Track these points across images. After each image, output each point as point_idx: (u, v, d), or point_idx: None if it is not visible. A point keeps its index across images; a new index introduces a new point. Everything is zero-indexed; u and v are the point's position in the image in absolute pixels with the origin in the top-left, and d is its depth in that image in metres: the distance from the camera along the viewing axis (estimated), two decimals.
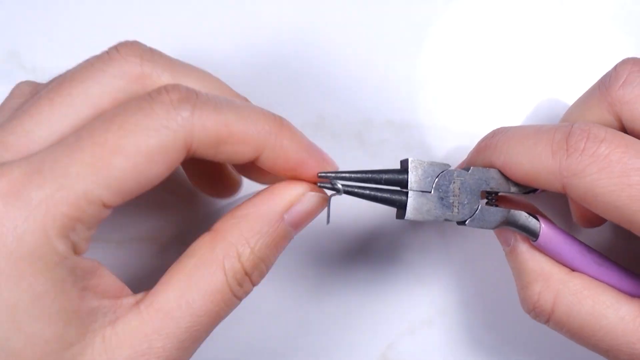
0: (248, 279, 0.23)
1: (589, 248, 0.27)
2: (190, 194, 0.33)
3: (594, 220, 0.28)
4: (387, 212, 0.33)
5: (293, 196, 0.24)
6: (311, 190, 0.24)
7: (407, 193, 0.26)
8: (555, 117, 0.33)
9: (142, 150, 0.20)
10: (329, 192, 0.25)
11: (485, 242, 0.33)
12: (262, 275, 0.24)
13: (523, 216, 0.27)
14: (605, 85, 0.26)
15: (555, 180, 0.24)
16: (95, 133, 0.20)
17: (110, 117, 0.20)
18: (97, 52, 0.23)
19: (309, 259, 0.33)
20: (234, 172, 0.30)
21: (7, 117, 0.22)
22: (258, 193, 0.24)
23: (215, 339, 0.33)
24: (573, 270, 0.27)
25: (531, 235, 0.26)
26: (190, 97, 0.21)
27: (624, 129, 0.26)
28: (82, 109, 0.21)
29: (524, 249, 0.27)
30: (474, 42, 0.33)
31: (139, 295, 0.22)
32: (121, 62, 0.22)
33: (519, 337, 0.33)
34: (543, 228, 0.26)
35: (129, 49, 0.22)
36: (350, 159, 0.33)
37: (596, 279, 0.26)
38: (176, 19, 0.33)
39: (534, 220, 0.27)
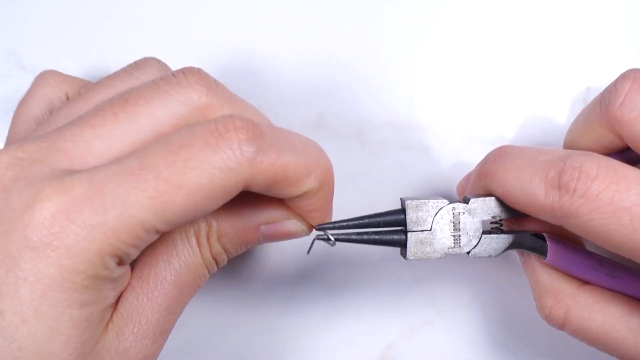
0: (214, 262, 0.25)
1: (599, 260, 0.27)
2: None
3: None
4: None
5: (277, 216, 0.25)
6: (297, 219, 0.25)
7: (406, 232, 0.26)
8: (555, 117, 0.33)
9: (204, 189, 0.20)
10: (316, 233, 0.26)
11: None
12: (224, 262, 0.25)
13: (528, 239, 0.27)
14: (605, 102, 0.26)
15: (551, 217, 0.24)
16: (160, 164, 0.20)
17: (175, 149, 0.20)
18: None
19: (309, 259, 0.33)
20: None
21: (62, 122, 0.22)
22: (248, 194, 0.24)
23: (216, 339, 0.33)
24: (585, 282, 0.27)
25: (540, 253, 0.27)
26: (256, 137, 0.21)
27: (626, 146, 0.26)
28: (144, 129, 0.22)
29: (535, 264, 0.28)
30: (474, 42, 0.33)
31: (127, 268, 0.23)
32: (188, 89, 0.22)
33: (519, 336, 0.33)
34: (550, 248, 0.26)
35: (196, 77, 0.23)
36: (350, 159, 0.33)
37: (608, 289, 0.26)
38: (177, 19, 0.33)
39: (539, 240, 0.27)
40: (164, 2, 0.33)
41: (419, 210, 0.26)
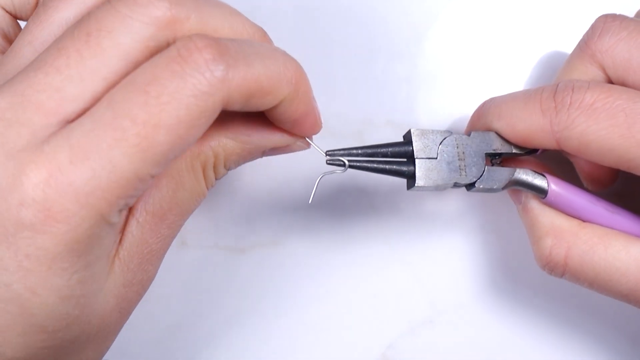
0: (215, 181, 0.25)
1: (598, 198, 0.27)
2: None
3: (603, 181, 0.29)
4: (386, 212, 0.33)
5: (281, 141, 0.25)
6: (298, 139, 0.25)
7: (414, 162, 0.27)
8: None
9: (184, 120, 0.20)
10: (326, 159, 0.26)
11: (485, 242, 0.33)
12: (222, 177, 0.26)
13: (530, 174, 0.27)
14: (584, 40, 0.28)
15: (549, 137, 0.25)
16: (133, 109, 0.19)
17: (144, 87, 0.19)
18: None
19: (309, 259, 0.33)
20: None
21: (22, 65, 0.21)
22: (251, 115, 0.24)
23: (216, 339, 0.33)
24: (585, 221, 0.27)
25: (540, 192, 0.27)
26: (222, 54, 0.20)
27: (609, 79, 0.27)
28: (113, 62, 0.20)
29: (535, 205, 0.28)
30: (474, 42, 0.33)
31: (126, 210, 0.23)
32: (149, 7, 0.21)
33: (519, 336, 0.33)
34: (551, 184, 0.27)
35: None
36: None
37: (608, 227, 0.27)
38: None
39: (541, 177, 0.27)
40: None
41: (424, 138, 0.27)
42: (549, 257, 0.27)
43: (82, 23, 0.21)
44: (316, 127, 0.25)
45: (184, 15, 0.21)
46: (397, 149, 0.27)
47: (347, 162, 0.26)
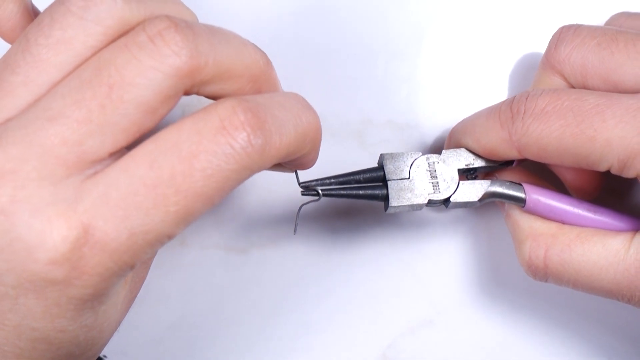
0: None
1: (578, 200, 0.28)
2: None
3: (587, 189, 0.29)
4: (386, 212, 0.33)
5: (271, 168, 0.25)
6: None
7: (386, 184, 0.27)
8: None
9: (221, 190, 0.20)
10: (305, 198, 0.27)
11: (485, 242, 0.33)
12: None
13: (505, 185, 0.28)
14: (545, 53, 0.29)
15: (510, 147, 0.26)
16: (176, 175, 0.19)
17: (189, 158, 0.20)
18: None
19: (309, 259, 0.33)
20: None
21: (19, 107, 0.20)
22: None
23: (216, 339, 0.33)
24: (567, 224, 0.28)
25: (518, 202, 0.28)
26: (262, 128, 0.20)
27: (572, 87, 0.28)
28: (134, 114, 0.20)
29: (514, 212, 0.29)
30: (474, 41, 0.33)
31: None
32: (172, 57, 0.20)
33: (519, 337, 0.33)
34: (529, 193, 0.27)
35: (176, 38, 0.20)
36: (350, 158, 0.33)
37: (591, 227, 0.27)
38: None
39: (517, 187, 0.28)
40: None
41: (395, 160, 0.28)
42: (530, 261, 0.28)
43: (101, 71, 0.20)
44: (312, 165, 0.26)
45: (203, 62, 0.21)
46: (369, 174, 0.28)
47: (320, 192, 0.27)
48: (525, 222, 0.28)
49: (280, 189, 0.33)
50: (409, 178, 0.27)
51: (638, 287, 0.26)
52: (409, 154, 0.28)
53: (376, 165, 0.28)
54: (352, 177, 0.28)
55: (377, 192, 0.27)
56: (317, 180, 0.27)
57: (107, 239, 0.19)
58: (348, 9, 0.33)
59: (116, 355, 0.32)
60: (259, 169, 0.21)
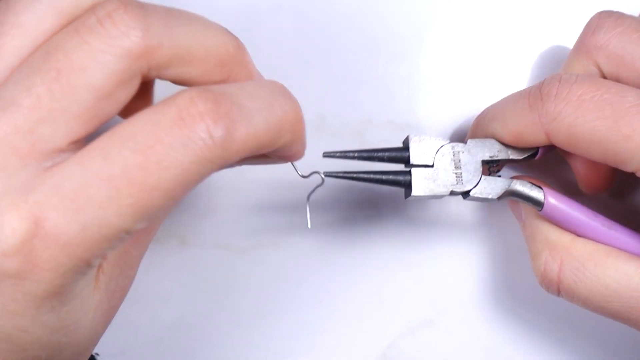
0: None
1: (595, 213, 0.27)
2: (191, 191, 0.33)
3: (598, 184, 0.29)
4: (387, 212, 0.33)
5: (260, 162, 0.25)
6: None
7: (410, 171, 0.27)
8: None
9: (181, 184, 0.19)
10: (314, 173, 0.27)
11: (485, 241, 0.33)
12: None
13: (527, 185, 0.27)
14: (580, 38, 0.28)
15: (538, 130, 0.25)
16: (130, 168, 0.19)
17: (144, 149, 0.19)
18: None
19: (309, 259, 0.33)
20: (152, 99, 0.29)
21: None
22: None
23: (216, 339, 0.33)
24: (580, 236, 0.27)
25: (536, 205, 0.27)
26: (224, 118, 0.19)
27: (604, 76, 0.27)
28: (86, 99, 0.19)
29: (532, 221, 0.28)
30: (474, 41, 0.33)
31: None
32: (122, 39, 0.20)
33: (519, 336, 0.33)
34: (547, 197, 0.27)
35: (125, 19, 0.20)
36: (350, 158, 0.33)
37: (603, 243, 0.27)
38: None
39: (537, 189, 0.27)
40: None
41: (422, 144, 0.27)
42: (544, 273, 0.27)
43: (49, 57, 0.20)
44: (301, 156, 0.25)
45: (157, 43, 0.20)
46: (394, 154, 0.27)
47: (323, 177, 0.27)
48: (541, 233, 0.28)
49: (280, 188, 0.33)
50: (432, 166, 0.27)
51: None
52: (436, 139, 0.27)
53: (402, 145, 0.28)
54: (375, 154, 0.27)
55: (400, 178, 0.27)
56: (340, 152, 0.27)
57: (57, 231, 0.19)
58: (348, 9, 0.33)
59: (116, 356, 0.32)
60: (224, 163, 0.20)
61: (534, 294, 0.33)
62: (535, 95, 0.26)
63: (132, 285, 0.25)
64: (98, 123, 0.20)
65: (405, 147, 0.27)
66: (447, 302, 0.33)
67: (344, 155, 0.27)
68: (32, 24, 0.20)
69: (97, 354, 0.32)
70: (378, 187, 0.33)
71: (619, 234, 0.27)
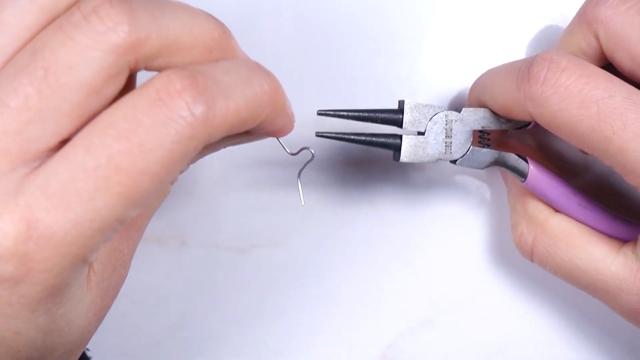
0: (177, 177, 0.24)
1: (574, 191, 0.28)
2: (190, 189, 0.33)
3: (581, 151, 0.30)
4: (387, 211, 0.33)
5: (248, 139, 0.25)
6: None
7: (401, 136, 0.27)
8: None
9: (167, 165, 0.19)
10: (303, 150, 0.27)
11: (485, 242, 0.33)
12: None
13: (513, 158, 0.28)
14: (582, 7, 0.27)
15: (523, 110, 0.26)
16: (115, 155, 0.19)
17: (125, 134, 0.19)
18: None
19: (309, 259, 0.33)
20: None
21: None
22: None
23: (216, 339, 0.33)
24: (558, 211, 0.28)
25: (520, 175, 0.28)
26: (202, 94, 0.19)
27: (601, 49, 0.27)
28: (75, 97, 0.19)
29: (515, 191, 0.29)
30: (474, 42, 0.33)
31: None
32: (108, 34, 0.19)
33: (519, 337, 0.33)
34: (531, 169, 0.28)
35: (111, 14, 0.19)
36: (350, 158, 0.33)
37: (578, 220, 0.28)
38: None
39: (523, 162, 0.28)
40: None
41: (416, 111, 0.28)
42: (519, 243, 0.29)
43: (36, 56, 0.19)
44: (288, 130, 0.24)
45: (144, 35, 0.20)
46: (388, 115, 0.28)
47: (313, 153, 0.27)
48: (521, 204, 0.29)
49: (281, 188, 0.33)
50: (424, 133, 0.28)
51: (614, 298, 0.26)
52: (431, 106, 0.28)
53: (396, 107, 0.28)
54: (369, 114, 0.28)
55: (390, 141, 0.28)
56: (334, 110, 0.28)
57: (50, 231, 0.18)
58: (348, 9, 0.33)
59: (116, 356, 0.32)
60: (207, 139, 0.20)
61: (534, 294, 0.33)
62: (523, 74, 0.25)
63: (132, 285, 0.25)
64: (87, 119, 0.20)
65: (400, 109, 0.28)
66: (447, 302, 0.33)
67: (338, 113, 0.27)
68: (13, 20, 0.20)
69: (87, 349, 0.32)
70: (379, 187, 0.33)
71: (593, 213, 0.28)
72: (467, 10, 0.33)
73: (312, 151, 0.27)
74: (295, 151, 0.27)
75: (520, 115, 0.26)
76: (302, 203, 0.28)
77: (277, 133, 0.24)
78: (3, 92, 0.19)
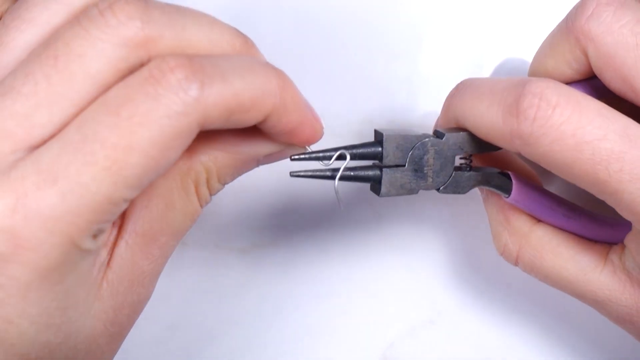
0: (210, 197, 0.24)
1: (558, 201, 0.27)
2: None
3: None
4: (386, 212, 0.33)
5: (278, 147, 0.24)
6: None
7: (381, 169, 0.26)
8: None
9: (157, 142, 0.19)
10: (335, 174, 0.25)
11: (486, 242, 0.33)
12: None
13: (495, 176, 0.27)
14: (571, 18, 0.25)
15: (509, 145, 0.24)
16: (104, 131, 0.19)
17: (115, 109, 0.19)
18: None
19: (309, 259, 0.33)
20: None
21: None
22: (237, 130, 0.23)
23: (216, 339, 0.33)
24: (541, 221, 0.28)
25: (504, 192, 0.27)
26: (196, 72, 0.19)
27: (589, 65, 0.26)
28: (83, 87, 0.19)
29: (494, 201, 0.28)
30: (474, 42, 0.33)
31: (117, 221, 0.22)
32: (120, 28, 0.20)
33: (519, 337, 0.33)
34: (514, 186, 0.27)
35: (125, 10, 0.20)
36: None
37: (564, 230, 0.27)
38: None
39: (505, 179, 0.27)
40: None
41: (395, 144, 0.26)
42: (504, 253, 0.28)
43: (49, 45, 0.20)
44: (315, 134, 0.24)
45: (157, 33, 0.20)
46: (365, 150, 0.26)
47: (348, 154, 0.25)
48: (502, 214, 0.28)
49: (281, 188, 0.33)
50: (404, 165, 0.26)
51: (604, 307, 0.26)
52: (411, 136, 0.26)
53: (374, 138, 0.27)
54: (345, 152, 0.26)
55: (369, 174, 0.26)
56: (308, 154, 0.25)
57: (38, 205, 0.18)
58: (348, 9, 0.33)
59: (116, 356, 0.32)
60: (202, 118, 0.19)
61: (535, 295, 0.33)
62: (510, 108, 0.23)
63: None
64: None
65: (379, 141, 0.26)
66: (447, 302, 0.33)
67: (314, 157, 0.25)
68: (42, 19, 0.21)
69: None
70: None
71: (578, 222, 0.27)
72: (467, 10, 0.33)
73: (348, 153, 0.25)
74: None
75: (504, 147, 0.25)
76: (340, 208, 0.27)
77: (298, 135, 0.23)
78: (16, 78, 0.19)
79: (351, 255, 0.33)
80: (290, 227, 0.33)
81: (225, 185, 0.24)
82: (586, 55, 0.25)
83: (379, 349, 0.33)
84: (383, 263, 0.33)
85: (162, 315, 0.33)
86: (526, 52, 0.33)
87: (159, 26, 0.20)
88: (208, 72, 0.20)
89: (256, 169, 0.31)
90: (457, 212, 0.33)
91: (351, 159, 0.25)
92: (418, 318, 0.33)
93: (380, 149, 0.26)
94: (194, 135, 0.20)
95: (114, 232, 0.22)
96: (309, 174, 0.25)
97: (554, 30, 0.27)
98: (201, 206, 0.24)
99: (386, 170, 0.26)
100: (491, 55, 0.33)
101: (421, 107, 0.33)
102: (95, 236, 0.20)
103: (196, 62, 0.19)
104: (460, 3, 0.33)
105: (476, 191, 0.30)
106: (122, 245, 0.22)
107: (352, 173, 0.26)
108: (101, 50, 0.19)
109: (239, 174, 0.24)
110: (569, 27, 0.25)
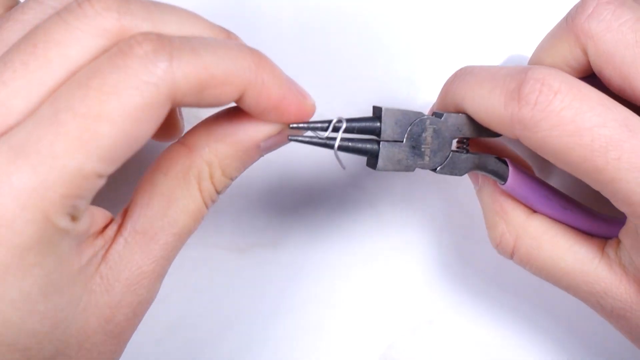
0: (217, 194, 0.24)
1: (554, 192, 0.27)
2: None
3: None
4: (386, 212, 0.33)
5: (274, 129, 0.24)
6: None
7: (379, 142, 0.26)
8: None
9: (128, 112, 0.19)
10: (336, 142, 0.25)
11: (486, 242, 0.33)
12: (226, 189, 0.24)
13: (492, 161, 0.27)
14: (571, 16, 0.25)
15: (509, 130, 0.24)
16: (74, 102, 0.19)
17: (85, 81, 0.19)
18: None
19: (309, 259, 0.33)
20: (179, 117, 0.28)
21: None
22: (236, 113, 0.23)
23: (216, 339, 0.33)
24: (537, 212, 0.27)
25: (500, 179, 0.27)
26: (164, 45, 0.20)
27: (589, 64, 0.26)
28: (60, 73, 0.20)
29: (490, 191, 0.28)
30: (474, 41, 0.33)
31: (118, 219, 0.23)
32: (97, 18, 0.20)
33: (519, 337, 0.33)
34: (511, 173, 0.27)
35: (102, 1, 0.20)
36: (350, 158, 0.33)
37: (559, 221, 0.27)
38: None
39: (503, 165, 0.27)
40: None
41: (394, 119, 0.26)
42: (499, 244, 0.28)
43: (29, 35, 0.20)
44: (303, 109, 0.24)
45: (134, 24, 0.20)
46: (364, 124, 0.26)
47: (344, 120, 0.25)
48: (498, 205, 0.28)
49: (280, 188, 0.33)
50: (402, 141, 0.26)
51: (598, 300, 0.26)
52: (410, 113, 0.26)
53: (372, 114, 0.27)
54: (345, 125, 0.25)
55: (368, 147, 0.26)
56: (307, 123, 0.25)
57: (10, 179, 0.18)
58: (348, 9, 0.33)
59: None
60: (171, 90, 0.19)
61: (535, 294, 0.33)
62: (512, 94, 0.23)
63: None
64: None
65: (377, 117, 0.26)
66: (447, 302, 0.33)
67: (312, 127, 0.25)
68: (30, 19, 0.22)
69: None
70: (377, 188, 0.33)
71: (574, 214, 0.27)
72: (467, 10, 0.33)
73: (344, 119, 0.25)
74: (344, 164, 0.25)
75: (504, 132, 0.25)
76: (343, 168, 0.26)
77: (285, 110, 0.23)
78: None
79: (351, 255, 0.33)
80: (290, 227, 0.33)
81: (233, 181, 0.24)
82: (586, 53, 0.25)
83: (379, 349, 0.33)
84: (383, 262, 0.33)
85: (162, 315, 0.33)
86: (526, 51, 0.33)
87: (136, 18, 0.21)
88: (177, 46, 0.20)
89: (256, 169, 0.31)
90: (456, 212, 0.33)
91: (349, 132, 0.25)
92: (417, 318, 0.33)
93: (378, 124, 0.26)
94: (165, 109, 0.20)
95: (114, 228, 0.22)
96: (307, 139, 0.25)
97: (553, 29, 0.27)
98: (206, 204, 0.23)
99: (384, 144, 0.26)
100: (491, 55, 0.33)
101: (421, 107, 0.33)
102: (73, 217, 0.20)
103: (165, 37, 0.20)
104: (460, 3, 0.33)
105: (473, 191, 0.30)
106: (120, 241, 0.22)
107: (350, 144, 0.25)
108: (78, 39, 0.20)
109: (244, 166, 0.24)
110: (569, 26, 0.26)
